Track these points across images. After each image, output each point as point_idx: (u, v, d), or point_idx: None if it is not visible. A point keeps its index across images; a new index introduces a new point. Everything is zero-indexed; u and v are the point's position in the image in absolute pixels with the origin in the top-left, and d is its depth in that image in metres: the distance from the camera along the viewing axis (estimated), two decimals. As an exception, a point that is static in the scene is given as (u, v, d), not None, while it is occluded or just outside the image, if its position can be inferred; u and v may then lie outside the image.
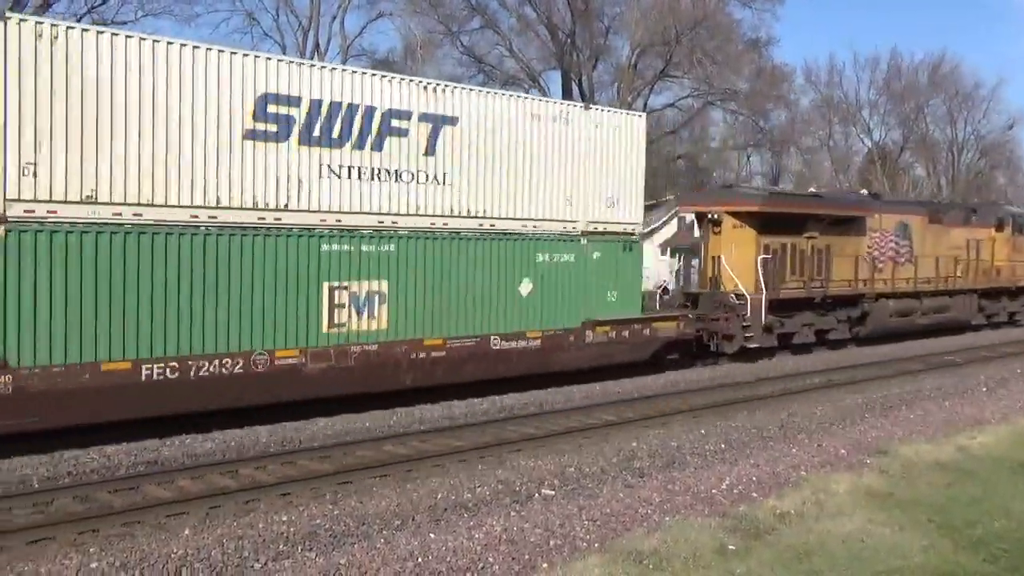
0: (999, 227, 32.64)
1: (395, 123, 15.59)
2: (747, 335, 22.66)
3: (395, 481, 11.44)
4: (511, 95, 17.84)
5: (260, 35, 44.00)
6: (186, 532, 9.40)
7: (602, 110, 19.28)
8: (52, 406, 11.99)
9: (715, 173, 52.25)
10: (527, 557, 8.85)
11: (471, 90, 16.94)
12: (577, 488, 11.22)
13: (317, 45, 39.71)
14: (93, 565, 8.38)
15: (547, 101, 18.25)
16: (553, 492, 11.04)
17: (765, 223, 23.45)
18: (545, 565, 8.69)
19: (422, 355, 15.91)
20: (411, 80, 16.06)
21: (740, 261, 23.13)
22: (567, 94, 41.80)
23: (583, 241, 18.73)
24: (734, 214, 23.39)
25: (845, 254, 25.69)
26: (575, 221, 18.59)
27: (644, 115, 20.38)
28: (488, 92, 17.32)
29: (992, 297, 32.64)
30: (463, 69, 42.40)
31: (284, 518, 9.80)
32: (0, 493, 10.57)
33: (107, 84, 12.53)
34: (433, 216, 16.22)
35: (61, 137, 12.15)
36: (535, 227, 17.84)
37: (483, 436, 14.02)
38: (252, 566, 8.51)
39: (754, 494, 11.17)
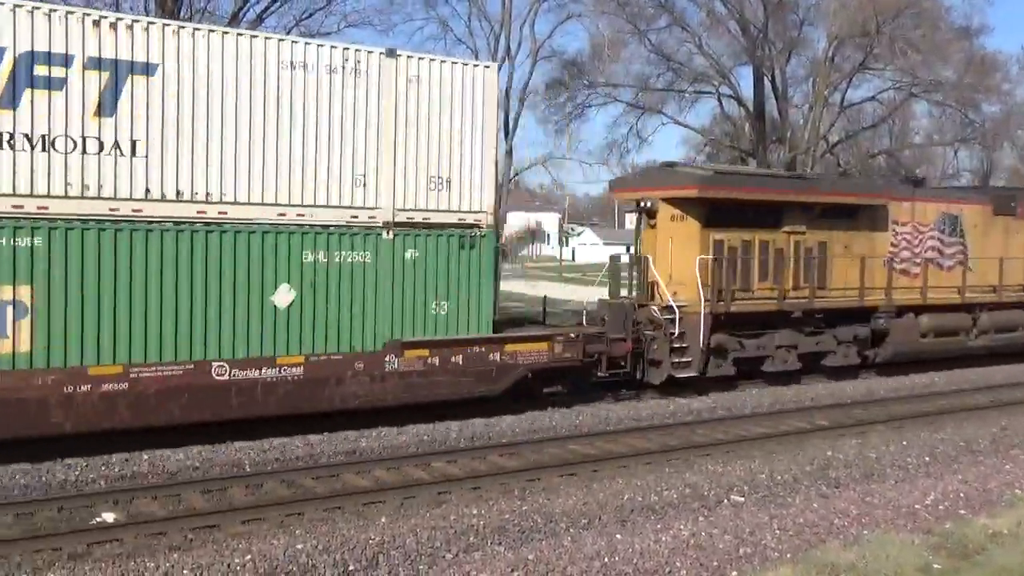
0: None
1: (40, 71, 11.36)
2: (679, 360, 17.09)
3: (581, 480, 11.60)
4: (253, 34, 13.19)
5: (453, 41, 44.58)
6: (383, 520, 9.77)
7: (422, 58, 14.32)
8: None
9: (918, 170, 47.02)
10: (715, 564, 8.82)
11: (181, 27, 12.46)
12: (768, 496, 11.12)
13: (508, 49, 39.34)
14: (299, 546, 8.84)
15: (324, 45, 13.53)
16: (743, 499, 10.94)
17: (715, 213, 17.74)
18: (734, 573, 8.67)
19: (85, 389, 11.61)
20: (71, 11, 11.75)
21: (679, 263, 17.56)
22: (758, 90, 39.88)
23: (387, 235, 13.91)
24: (671, 201, 17.81)
25: (852, 254, 19.50)
26: (374, 208, 13.82)
27: (494, 66, 15.23)
28: (211, 30, 12.77)
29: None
30: (651, 67, 40.96)
31: (474, 511, 10.07)
32: (218, 475, 11.43)
33: None
34: (115, 200, 11.90)
35: None
36: (300, 216, 13.21)
37: (670, 439, 14.12)
38: (444, 556, 8.79)
39: (962, 511, 10.80)
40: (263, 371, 12.81)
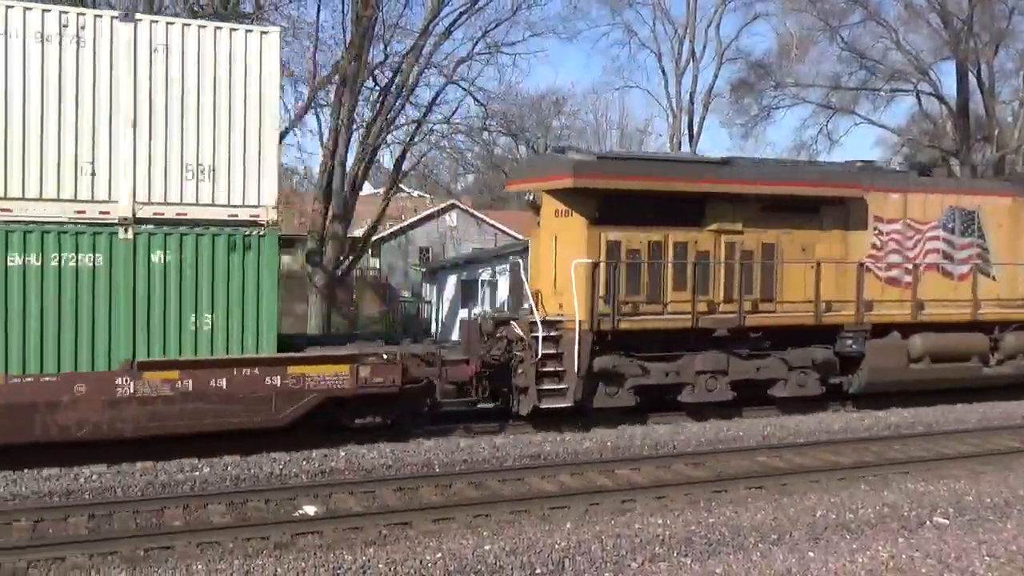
0: None
1: None
2: (551, 387, 14.01)
3: (770, 494, 11.32)
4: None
5: (637, 46, 44.75)
6: (568, 525, 9.75)
7: (171, 23, 11.99)
8: None
9: None
10: (917, 589, 8.51)
11: None
12: (976, 519, 10.53)
13: (693, 52, 39.65)
14: (486, 547, 8.94)
15: (34, 8, 11.38)
16: (947, 521, 10.44)
17: (609, 208, 14.53)
18: (938, 601, 8.34)
19: None
20: None
21: (564, 268, 14.45)
22: (962, 86, 37.19)
23: (125, 234, 11.67)
24: (554, 194, 14.71)
25: (816, 259, 15.77)
26: (107, 202, 11.63)
27: (275, 31, 12.64)
28: None
29: None
30: (843, 66, 39.30)
31: (659, 521, 9.94)
32: (410, 474, 11.75)
33: None
34: None
35: None
36: (5, 212, 11.19)
37: (864, 454, 13.59)
38: (629, 565, 8.78)
39: None
40: (-60, 394, 10.84)
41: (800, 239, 15.90)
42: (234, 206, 12.17)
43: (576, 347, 14.00)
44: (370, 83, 26.84)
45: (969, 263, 17.28)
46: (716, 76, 40.88)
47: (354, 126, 25.61)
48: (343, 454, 12.44)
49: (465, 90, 28.85)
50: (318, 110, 26.08)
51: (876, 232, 16.57)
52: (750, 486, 11.58)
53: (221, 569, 8.24)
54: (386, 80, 27.12)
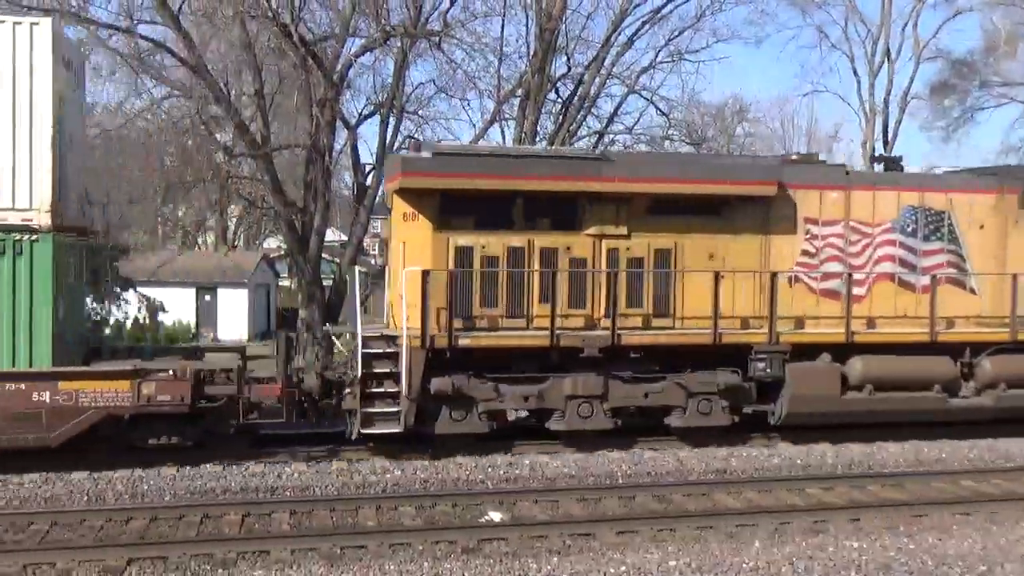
0: None
1: None
2: (382, 410, 12.53)
3: (978, 521, 10.65)
4: None
5: (828, 48, 42.81)
6: (756, 545, 9.53)
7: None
8: None
9: None
10: None
11: None
12: None
13: (888, 53, 37.78)
14: (671, 563, 8.86)
15: None
16: None
17: (455, 209, 12.96)
18: None
19: None
20: None
21: (410, 276, 12.92)
22: None
23: None
24: (400, 193, 13.20)
25: (728, 267, 13.59)
26: None
27: (45, 22, 11.74)
28: None
29: None
30: None
31: (855, 544, 9.60)
32: (593, 484, 11.84)
33: None
34: None
35: None
36: None
37: None
38: None
39: None
40: None
41: (706, 245, 13.72)
42: (2, 209, 11.40)
43: (404, 366, 12.45)
44: (552, 95, 26.33)
45: (937, 271, 14.48)
46: (913, 77, 39.56)
47: (537, 138, 25.12)
48: (527, 462, 12.62)
49: (647, 100, 27.81)
50: (503, 124, 25.60)
51: (808, 236, 14.12)
52: (955, 512, 10.87)
53: (411, 571, 8.53)
54: (568, 92, 26.61)
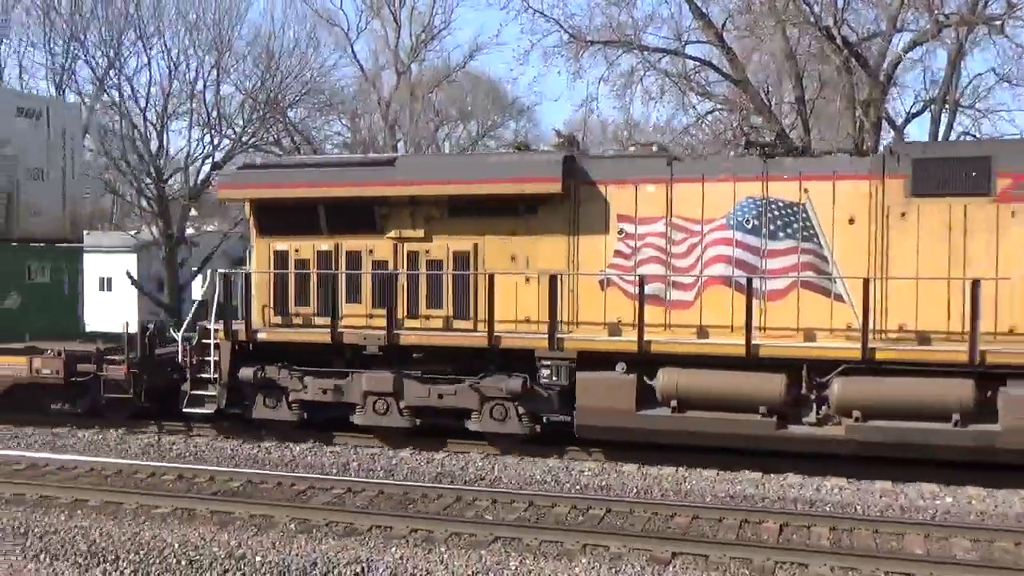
0: None
1: None
2: (197, 393, 14.41)
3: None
4: None
5: None
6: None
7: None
8: None
9: None
10: None
11: None
12: None
13: None
14: None
15: None
16: None
17: (271, 218, 14.31)
18: None
19: None
20: None
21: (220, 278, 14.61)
22: None
23: None
24: (232, 203, 14.87)
25: (533, 269, 13.20)
26: None
27: None
28: None
29: None
30: None
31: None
32: None
33: None
34: None
35: None
36: None
37: None
38: None
39: None
40: None
41: (508, 246, 13.36)
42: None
43: (214, 357, 14.16)
44: None
45: (791, 274, 12.31)
46: None
47: None
48: None
49: None
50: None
51: (622, 235, 12.95)
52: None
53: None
54: None
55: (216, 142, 29.41)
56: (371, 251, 13.89)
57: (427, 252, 13.66)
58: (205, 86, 29.35)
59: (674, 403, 12.34)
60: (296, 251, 14.20)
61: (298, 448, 13.81)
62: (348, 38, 39.49)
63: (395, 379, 13.58)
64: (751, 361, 12.08)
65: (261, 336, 14.11)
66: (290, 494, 11.31)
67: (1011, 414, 11.18)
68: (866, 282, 11.67)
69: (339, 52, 38.82)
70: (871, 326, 11.83)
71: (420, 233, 13.67)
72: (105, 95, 29.22)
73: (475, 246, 13.44)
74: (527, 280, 13.18)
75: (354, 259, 13.95)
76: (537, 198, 13.05)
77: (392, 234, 13.79)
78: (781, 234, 12.41)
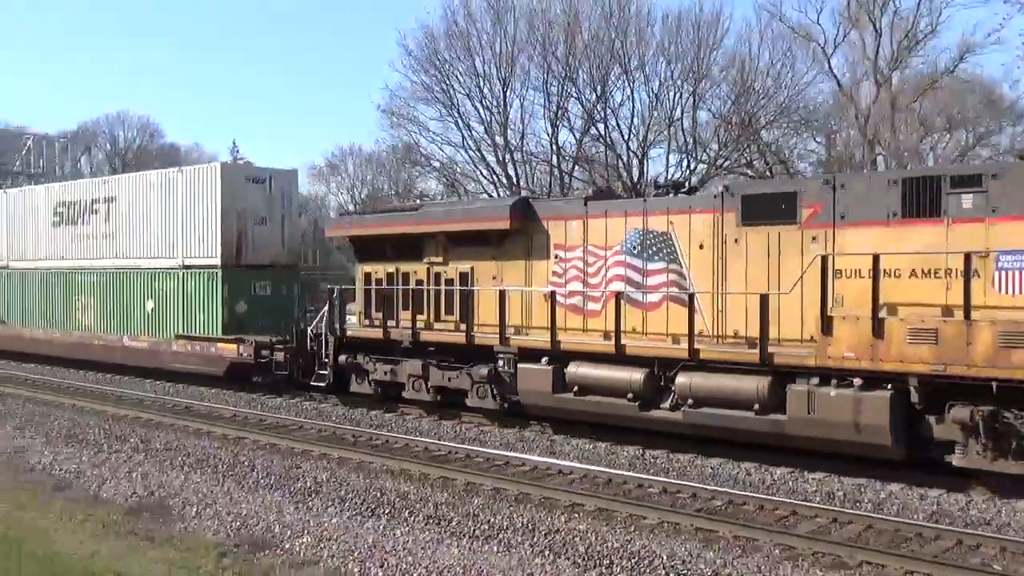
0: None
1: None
2: (320, 372, 20.80)
3: None
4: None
5: None
6: None
7: None
8: None
9: None
10: None
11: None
12: None
13: None
14: None
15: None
16: None
17: (363, 249, 20.36)
18: None
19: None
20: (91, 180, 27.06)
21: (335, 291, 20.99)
22: None
23: None
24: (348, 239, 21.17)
25: (500, 287, 17.75)
26: None
27: (215, 167, 23.14)
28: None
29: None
30: None
31: None
32: None
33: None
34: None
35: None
36: (150, 264, 25.47)
37: None
38: None
39: None
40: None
41: (491, 268, 17.98)
42: (207, 258, 23.62)
43: (328, 348, 20.45)
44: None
45: (666, 290, 15.49)
46: None
47: None
48: None
49: None
50: None
51: (557, 260, 16.93)
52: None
53: None
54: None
55: (693, 167, 32.57)
56: (415, 272, 19.25)
57: (445, 272, 18.68)
58: (683, 113, 32.38)
59: (576, 388, 16.08)
60: (376, 272, 20.04)
61: (778, 472, 13.56)
62: (824, 52, 38.79)
63: (423, 366, 18.78)
64: (630, 358, 15.46)
65: (349, 333, 20.18)
66: (772, 518, 11.19)
67: (793, 406, 13.44)
68: (691, 296, 14.59)
69: (815, 69, 38.39)
70: (716, 331, 14.73)
71: (441, 259, 18.74)
72: (592, 128, 33.51)
73: (472, 268, 18.18)
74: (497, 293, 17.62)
75: (405, 278, 19.41)
76: (500, 232, 17.49)
77: (426, 260, 19.03)
78: (656, 257, 15.59)
